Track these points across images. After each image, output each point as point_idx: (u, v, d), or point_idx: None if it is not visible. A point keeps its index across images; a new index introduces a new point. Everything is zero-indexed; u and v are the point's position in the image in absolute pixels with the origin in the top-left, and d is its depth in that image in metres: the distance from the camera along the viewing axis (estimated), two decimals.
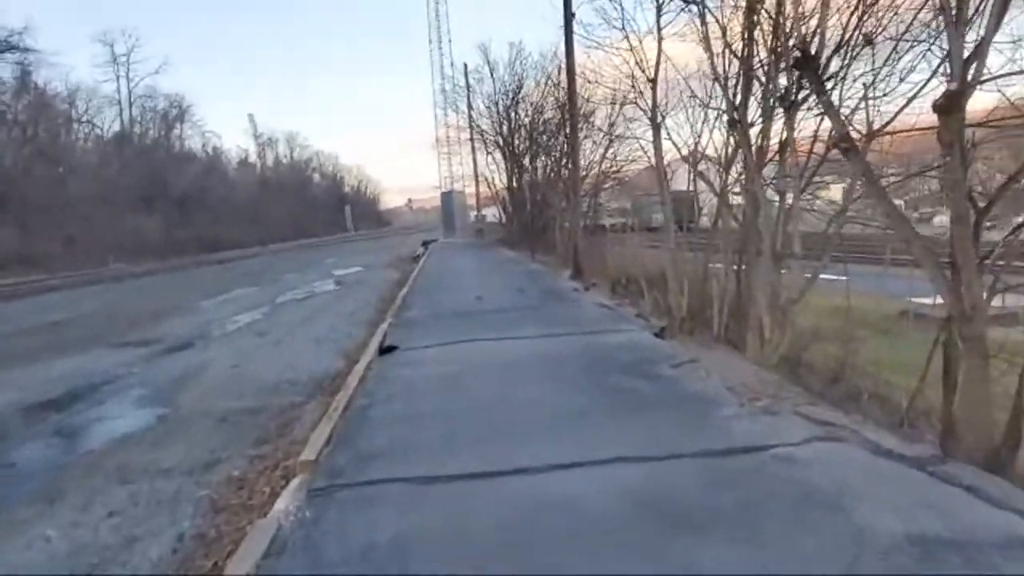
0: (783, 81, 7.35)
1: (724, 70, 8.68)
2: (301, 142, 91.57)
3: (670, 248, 12.10)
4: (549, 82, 23.48)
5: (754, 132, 7.98)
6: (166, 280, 28.26)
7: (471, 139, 38.36)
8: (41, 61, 52.74)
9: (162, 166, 62.79)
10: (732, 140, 9.47)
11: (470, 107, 34.13)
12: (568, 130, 18.66)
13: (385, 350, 7.88)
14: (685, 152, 11.47)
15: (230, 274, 29.75)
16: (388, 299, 14.56)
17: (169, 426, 6.24)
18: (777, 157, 7.51)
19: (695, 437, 4.20)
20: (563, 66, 20.15)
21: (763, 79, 7.78)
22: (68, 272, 35.30)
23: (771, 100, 7.23)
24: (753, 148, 7.57)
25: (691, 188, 11.73)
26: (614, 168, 22.66)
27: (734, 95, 8.53)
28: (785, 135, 7.76)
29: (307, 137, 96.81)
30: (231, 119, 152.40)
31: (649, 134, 11.73)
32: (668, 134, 10.66)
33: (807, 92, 7.41)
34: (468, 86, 33.30)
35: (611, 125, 19.35)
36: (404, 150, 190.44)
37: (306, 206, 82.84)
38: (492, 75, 28.98)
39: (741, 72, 8.11)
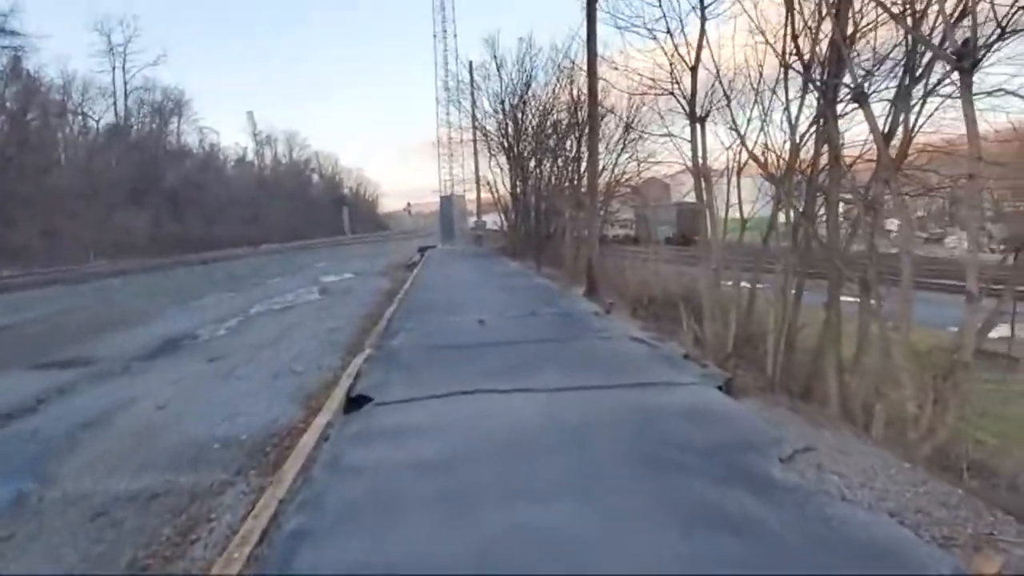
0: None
1: (812, 47, 6.76)
2: (301, 142, 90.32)
3: (711, 268, 10.21)
4: (562, 78, 21.63)
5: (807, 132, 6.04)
6: (141, 281, 26.14)
7: (474, 140, 36.57)
8: (32, 47, 50.52)
9: (155, 161, 60.84)
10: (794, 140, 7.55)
11: (474, 105, 32.31)
12: (588, 128, 16.63)
13: (355, 400, 5.81)
14: (733, 151, 9.61)
15: (211, 276, 27.69)
16: (374, 316, 12.48)
17: (15, 522, 4.15)
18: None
19: None
20: (577, 60, 18.31)
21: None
22: (44, 268, 33.27)
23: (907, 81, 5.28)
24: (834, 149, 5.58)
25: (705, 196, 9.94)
26: (626, 175, 20.86)
27: (826, 75, 6.57)
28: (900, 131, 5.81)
29: (307, 137, 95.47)
30: (230, 116, 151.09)
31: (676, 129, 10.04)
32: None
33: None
34: (472, 82, 31.41)
35: (628, 125, 17.52)
36: (405, 153, 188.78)
37: (304, 207, 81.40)
38: (499, 72, 27.12)
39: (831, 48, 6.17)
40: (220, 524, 3.89)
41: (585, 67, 15.05)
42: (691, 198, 11.72)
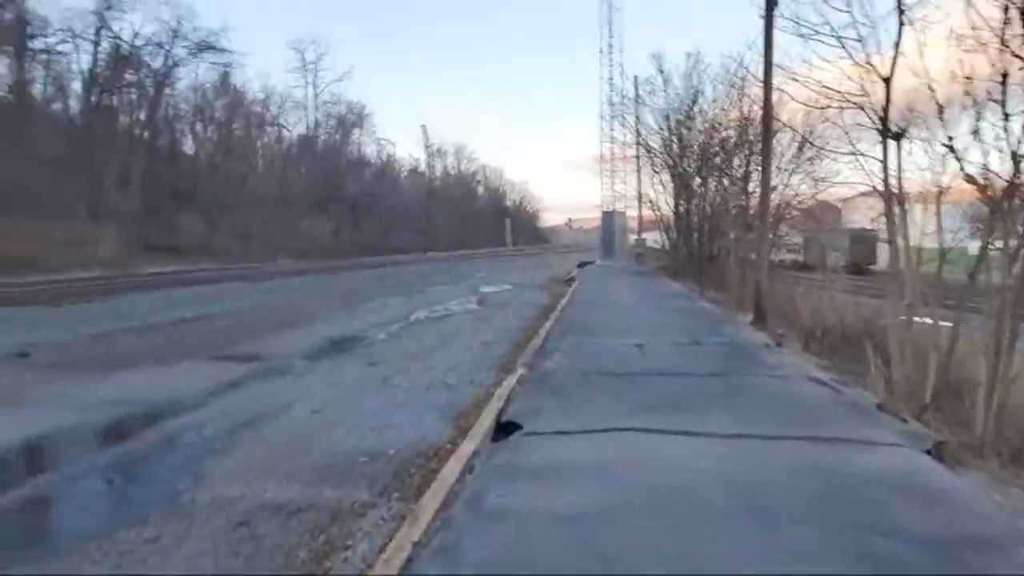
0: None
1: None
2: (469, 155, 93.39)
3: (904, 303, 8.88)
4: (731, 93, 20.48)
5: None
6: (317, 282, 27.92)
7: (636, 156, 35.80)
8: (238, 64, 56.47)
9: (338, 171, 65.47)
10: None
11: (638, 121, 31.58)
12: (761, 143, 15.40)
13: (504, 427, 5.45)
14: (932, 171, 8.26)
15: (381, 281, 29.03)
16: (529, 332, 12.22)
17: (165, 522, 4.16)
18: None
19: None
20: (752, 70, 17.08)
21: None
22: (240, 265, 36.64)
23: None
24: None
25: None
26: (798, 197, 19.29)
27: None
28: None
29: (474, 150, 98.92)
30: (405, 128, 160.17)
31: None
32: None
33: None
34: (637, 98, 30.73)
35: (804, 141, 16.06)
36: (567, 168, 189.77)
37: (469, 218, 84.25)
38: (665, 87, 26.27)
39: None
40: (354, 555, 3.63)
41: (760, 78, 13.95)
42: (865, 223, 10.32)
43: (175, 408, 7.03)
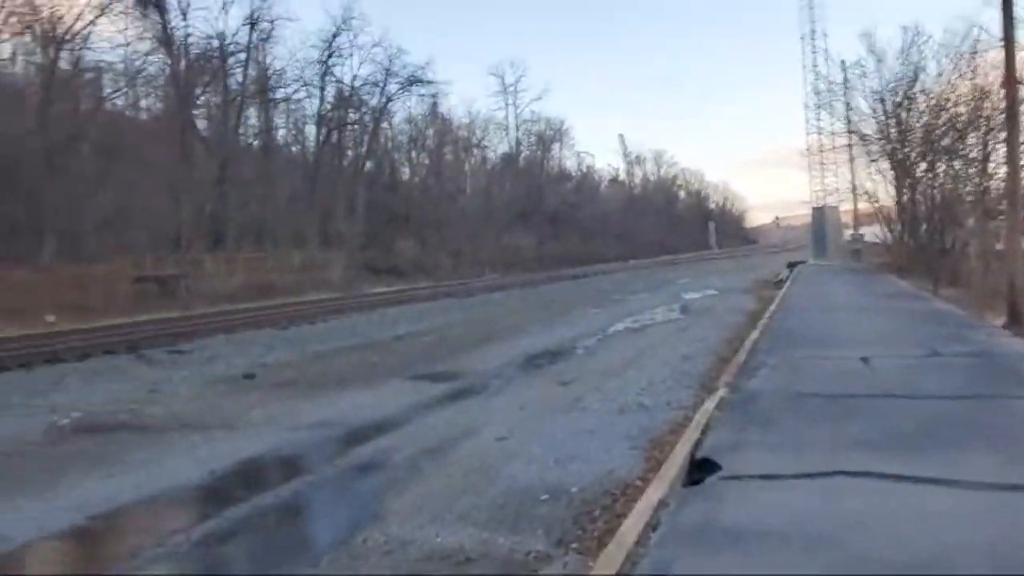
0: None
1: None
2: (668, 160, 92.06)
3: None
4: (960, 64, 17.76)
5: None
6: (518, 296, 28.34)
7: (848, 145, 32.35)
8: (443, 92, 60.13)
9: (538, 185, 67.26)
10: None
11: (848, 107, 28.55)
12: (1006, 116, 12.82)
13: (699, 464, 4.70)
14: None
15: (580, 292, 28.89)
16: (733, 343, 11.12)
17: (331, 565, 3.98)
18: None
19: None
20: (983, 33, 14.35)
21: None
22: (443, 282, 38.56)
23: None
24: None
25: None
26: None
27: None
28: None
29: (673, 155, 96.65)
30: (603, 139, 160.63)
31: None
32: None
33: None
34: (846, 82, 27.75)
35: None
36: (771, 164, 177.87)
37: (670, 223, 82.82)
38: (878, 68, 23.52)
39: None
40: None
41: (1000, 35, 11.57)
42: None
43: (369, 432, 7.12)
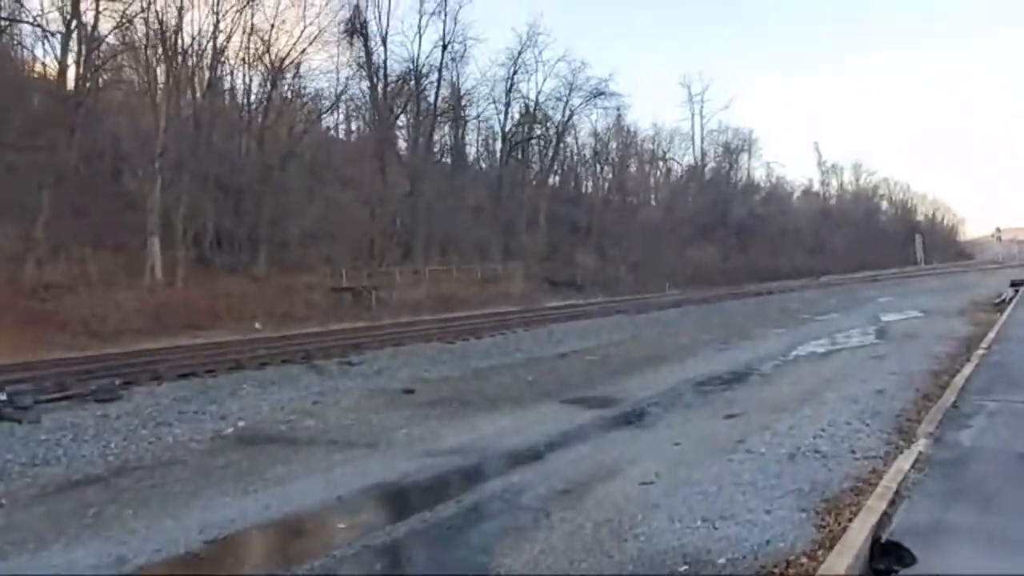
0: None
1: None
2: (867, 169, 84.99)
3: None
4: None
5: None
6: (695, 313, 26.76)
7: None
8: (625, 105, 59.63)
9: (724, 197, 64.49)
10: None
11: None
12: None
13: (885, 550, 3.67)
14: None
15: (763, 309, 26.78)
16: (940, 377, 9.37)
17: None
18: None
19: None
20: None
21: None
22: (627, 296, 37.69)
23: None
24: None
25: None
26: None
27: None
28: None
29: (874, 165, 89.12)
30: (797, 149, 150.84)
31: None
32: None
33: None
34: None
35: None
36: (990, 171, 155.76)
37: (870, 237, 76.30)
38: None
39: None
40: None
41: None
42: None
43: (506, 464, 6.66)
